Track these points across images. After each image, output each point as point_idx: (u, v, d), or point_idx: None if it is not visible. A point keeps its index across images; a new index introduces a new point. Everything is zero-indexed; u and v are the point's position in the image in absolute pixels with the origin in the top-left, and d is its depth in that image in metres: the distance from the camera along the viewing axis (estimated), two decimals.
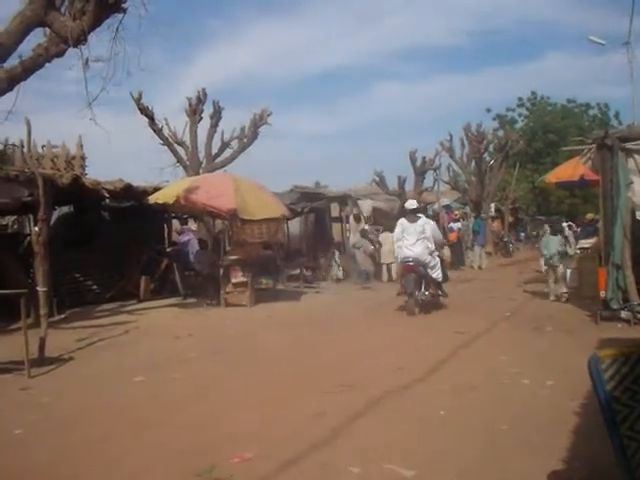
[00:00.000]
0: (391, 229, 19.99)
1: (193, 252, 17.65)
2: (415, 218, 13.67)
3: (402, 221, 13.84)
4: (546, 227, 23.91)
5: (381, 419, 6.18)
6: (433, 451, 5.26)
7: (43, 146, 22.18)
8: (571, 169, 15.50)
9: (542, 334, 10.63)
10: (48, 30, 11.43)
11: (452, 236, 25.22)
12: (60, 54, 11.42)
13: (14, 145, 19.62)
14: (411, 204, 14.28)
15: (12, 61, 11.31)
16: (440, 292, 13.99)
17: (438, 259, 13.75)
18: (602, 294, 11.25)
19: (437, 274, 13.59)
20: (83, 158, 23.68)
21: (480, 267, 24.88)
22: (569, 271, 16.82)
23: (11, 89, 11.23)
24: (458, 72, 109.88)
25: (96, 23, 11.26)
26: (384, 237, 21.67)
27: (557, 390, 6.96)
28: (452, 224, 26.74)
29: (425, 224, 13.53)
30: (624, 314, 10.99)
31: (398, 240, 13.65)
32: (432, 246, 13.37)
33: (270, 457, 5.16)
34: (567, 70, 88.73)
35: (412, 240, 13.30)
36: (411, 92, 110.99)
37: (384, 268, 21.42)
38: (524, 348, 9.51)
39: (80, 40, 11.10)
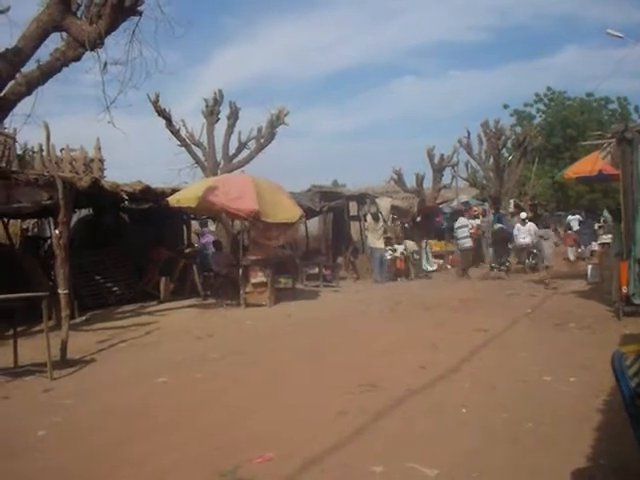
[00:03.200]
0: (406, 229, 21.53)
1: (209, 253, 17.71)
2: (525, 223, 21.80)
3: (518, 226, 21.98)
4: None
5: (403, 418, 6.16)
6: (456, 450, 5.23)
7: (62, 149, 22.32)
8: (590, 164, 15.36)
9: (564, 330, 10.58)
10: (65, 34, 11.49)
11: (472, 232, 25.13)
12: (77, 58, 11.47)
13: (33, 151, 19.78)
14: (523, 215, 22.59)
15: (30, 65, 11.39)
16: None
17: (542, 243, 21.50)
18: (624, 289, 11.15)
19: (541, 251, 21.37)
20: (101, 161, 23.83)
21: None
22: (590, 267, 16.73)
23: (29, 93, 11.30)
24: (476, 68, 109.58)
25: (112, 26, 11.29)
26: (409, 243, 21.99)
27: (580, 387, 6.92)
28: (471, 221, 26.61)
29: (530, 225, 21.69)
30: None
31: (515, 235, 21.60)
32: (534, 236, 21.39)
33: (292, 457, 5.16)
34: (585, 64, 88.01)
35: (524, 235, 21.36)
36: (429, 89, 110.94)
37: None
38: (546, 345, 9.47)
39: (97, 44, 11.14)
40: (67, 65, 11.54)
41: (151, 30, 11.62)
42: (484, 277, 21.28)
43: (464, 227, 22.83)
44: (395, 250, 21.78)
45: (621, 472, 4.43)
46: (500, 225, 21.91)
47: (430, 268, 22.23)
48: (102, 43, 11.21)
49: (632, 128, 11.39)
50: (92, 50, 11.30)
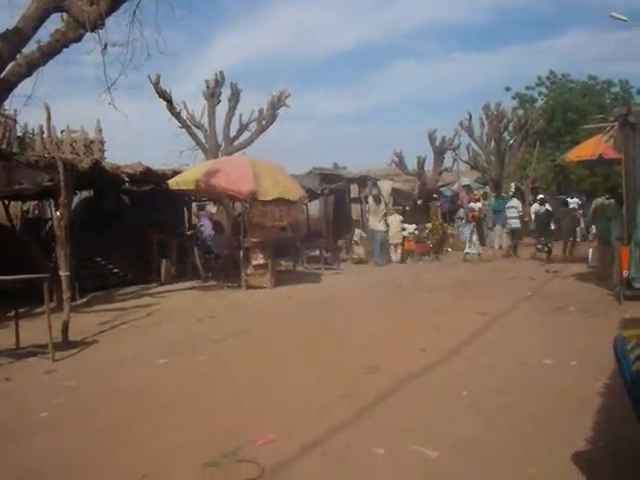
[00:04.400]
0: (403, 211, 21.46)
1: (207, 236, 17.69)
2: (543, 203, 22.03)
3: (536, 206, 22.54)
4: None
5: (405, 401, 6.18)
6: (457, 432, 5.25)
7: (62, 131, 22.27)
8: (592, 147, 15.35)
9: (564, 314, 10.61)
10: (65, 15, 11.42)
11: (473, 216, 25.16)
12: (78, 39, 11.41)
13: (34, 133, 19.71)
14: (540, 196, 23.36)
15: (30, 47, 11.33)
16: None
17: None
18: (625, 273, 11.16)
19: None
20: (102, 142, 23.78)
21: (501, 247, 24.74)
22: (591, 250, 16.74)
23: (30, 74, 11.24)
24: (478, 50, 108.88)
25: (113, 7, 11.22)
26: (392, 219, 21.85)
27: (580, 370, 6.94)
28: (472, 204, 26.61)
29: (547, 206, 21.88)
30: None
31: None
32: None
33: (293, 439, 5.18)
34: (588, 47, 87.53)
35: None
36: (430, 71, 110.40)
37: (391, 249, 21.66)
38: (546, 328, 9.49)
39: (97, 25, 11.07)
40: (67, 46, 11.47)
41: (152, 11, 11.58)
42: (503, 256, 21.80)
43: (514, 208, 22.94)
44: (404, 229, 21.85)
45: (621, 455, 4.45)
46: (546, 208, 21.68)
47: (474, 251, 21.99)
48: (103, 24, 11.14)
49: (635, 111, 11.36)
50: (93, 31, 11.23)
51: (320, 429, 5.36)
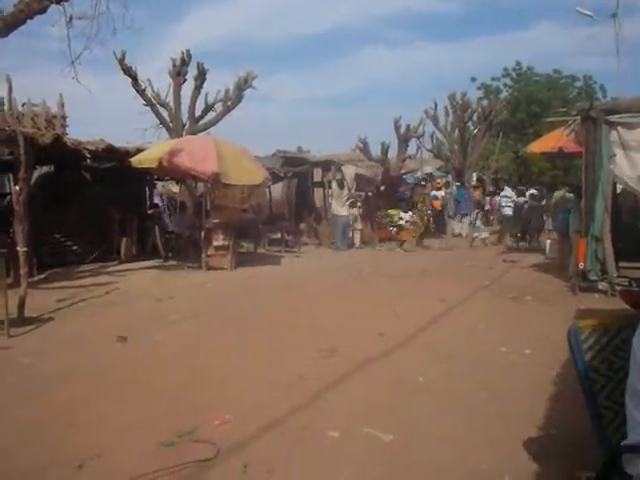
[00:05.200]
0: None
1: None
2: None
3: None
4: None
5: (361, 384, 6.25)
6: (412, 417, 5.33)
7: (23, 104, 21.86)
8: (553, 140, 15.51)
9: (521, 303, 10.77)
10: None
11: (435, 204, 25.35)
12: (42, 11, 11.20)
13: None
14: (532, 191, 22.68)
15: None
16: None
17: None
18: (581, 265, 11.37)
19: None
20: (64, 117, 23.38)
21: (461, 235, 24.96)
22: (548, 242, 17.00)
23: None
24: (444, 40, 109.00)
25: None
26: (354, 202, 22.00)
27: (535, 359, 7.06)
28: (435, 192, 26.80)
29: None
30: (602, 285, 11.16)
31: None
32: None
33: (250, 420, 5.21)
34: (555, 41, 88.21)
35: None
36: (397, 59, 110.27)
37: (351, 234, 21.85)
38: (503, 317, 9.63)
39: None
40: (31, 18, 11.26)
41: None
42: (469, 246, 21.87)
43: (508, 197, 23.11)
44: (402, 218, 21.95)
45: (574, 444, 4.54)
46: (541, 204, 21.69)
47: (482, 236, 22.42)
48: None
49: (597, 107, 11.52)
50: (58, 3, 11.04)
51: (276, 411, 5.40)
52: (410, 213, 22.64)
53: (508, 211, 22.80)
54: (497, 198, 24.12)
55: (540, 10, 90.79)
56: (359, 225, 22.07)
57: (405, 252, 20.20)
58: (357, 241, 21.97)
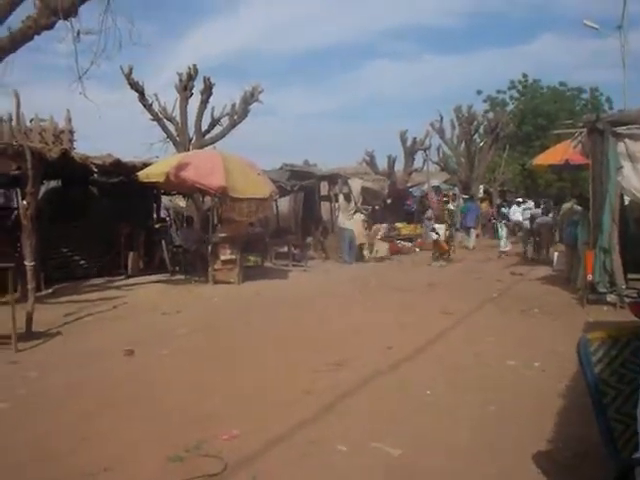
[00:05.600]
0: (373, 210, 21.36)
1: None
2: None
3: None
4: None
5: (369, 398, 6.23)
6: (420, 431, 5.30)
7: (31, 120, 21.97)
8: (560, 153, 15.50)
9: (529, 316, 10.72)
10: (38, 2, 11.26)
11: None
12: (50, 26, 11.25)
13: (2, 120, 19.42)
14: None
15: (1, 33, 11.17)
16: None
17: None
18: (589, 277, 11.33)
19: None
20: (71, 132, 23.44)
21: (467, 248, 24.91)
22: (556, 254, 16.95)
23: (0, 60, 11.09)
24: (450, 53, 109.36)
25: None
26: (356, 218, 21.84)
27: (544, 372, 7.03)
28: (450, 205, 26.89)
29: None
30: (610, 297, 11.12)
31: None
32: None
33: (257, 434, 5.19)
34: (560, 53, 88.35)
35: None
36: (403, 72, 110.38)
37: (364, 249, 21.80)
38: (511, 330, 9.59)
39: (70, 12, 10.94)
40: (39, 33, 11.32)
41: (126, 1, 11.47)
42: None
43: (529, 210, 22.97)
44: (434, 229, 21.90)
45: (582, 456, 4.52)
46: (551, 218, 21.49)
47: (506, 248, 22.34)
48: (76, 12, 11.01)
49: (603, 119, 11.53)
50: (65, 19, 11.10)
51: (284, 425, 5.39)
52: (444, 226, 22.52)
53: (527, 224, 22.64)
54: (513, 210, 23.83)
55: (546, 23, 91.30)
56: (365, 240, 21.94)
57: (442, 266, 19.91)
58: (367, 254, 21.83)
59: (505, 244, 22.14)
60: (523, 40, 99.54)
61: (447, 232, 22.49)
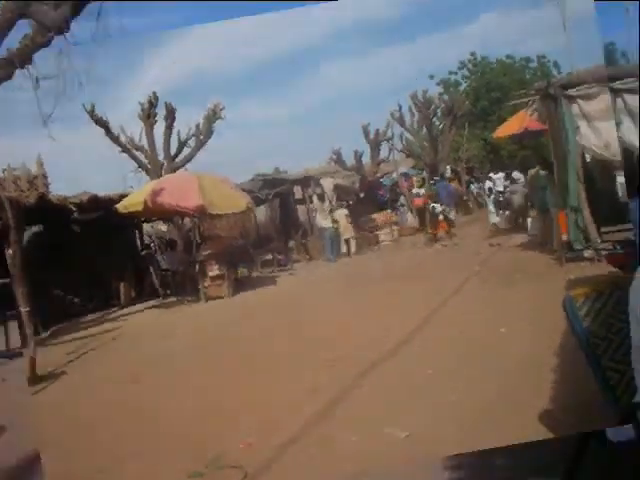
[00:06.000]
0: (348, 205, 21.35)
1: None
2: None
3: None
4: None
5: (371, 388, 6.47)
6: (424, 410, 5.55)
7: (4, 170, 21.95)
8: (518, 122, 15.85)
9: (512, 283, 10.90)
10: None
11: (418, 201, 25.57)
12: (46, 44, 11.16)
13: None
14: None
15: None
16: None
17: None
18: (564, 237, 11.67)
19: None
20: (45, 176, 23.42)
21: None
22: (529, 220, 17.20)
23: None
24: (399, 43, 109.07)
25: (76, 10, 10.92)
26: (339, 214, 22.09)
27: (535, 334, 7.21)
28: (416, 190, 27.03)
29: None
30: (587, 253, 11.43)
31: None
32: None
33: (271, 439, 5.41)
34: (505, 28, 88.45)
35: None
36: (358, 68, 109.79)
37: (342, 242, 22.03)
38: (497, 298, 9.84)
39: (62, 28, 10.86)
40: (36, 51, 11.26)
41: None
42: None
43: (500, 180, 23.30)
44: (435, 208, 22.10)
45: (582, 407, 4.66)
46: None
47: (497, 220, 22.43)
48: (68, 28, 10.93)
49: (554, 84, 11.85)
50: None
51: (295, 425, 5.60)
52: (440, 205, 22.54)
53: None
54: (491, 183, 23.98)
55: (483, 2, 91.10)
56: (352, 233, 22.13)
57: (443, 246, 20.11)
58: (353, 249, 22.05)
59: (495, 218, 22.29)
60: (464, 21, 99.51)
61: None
